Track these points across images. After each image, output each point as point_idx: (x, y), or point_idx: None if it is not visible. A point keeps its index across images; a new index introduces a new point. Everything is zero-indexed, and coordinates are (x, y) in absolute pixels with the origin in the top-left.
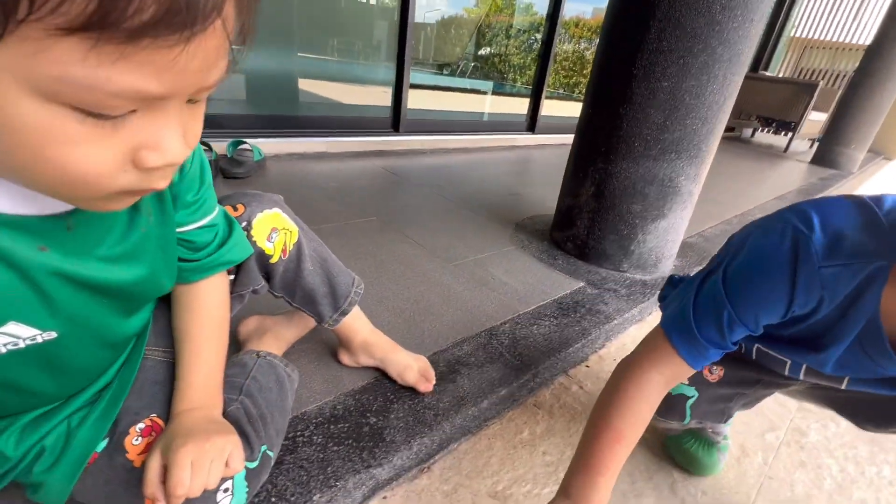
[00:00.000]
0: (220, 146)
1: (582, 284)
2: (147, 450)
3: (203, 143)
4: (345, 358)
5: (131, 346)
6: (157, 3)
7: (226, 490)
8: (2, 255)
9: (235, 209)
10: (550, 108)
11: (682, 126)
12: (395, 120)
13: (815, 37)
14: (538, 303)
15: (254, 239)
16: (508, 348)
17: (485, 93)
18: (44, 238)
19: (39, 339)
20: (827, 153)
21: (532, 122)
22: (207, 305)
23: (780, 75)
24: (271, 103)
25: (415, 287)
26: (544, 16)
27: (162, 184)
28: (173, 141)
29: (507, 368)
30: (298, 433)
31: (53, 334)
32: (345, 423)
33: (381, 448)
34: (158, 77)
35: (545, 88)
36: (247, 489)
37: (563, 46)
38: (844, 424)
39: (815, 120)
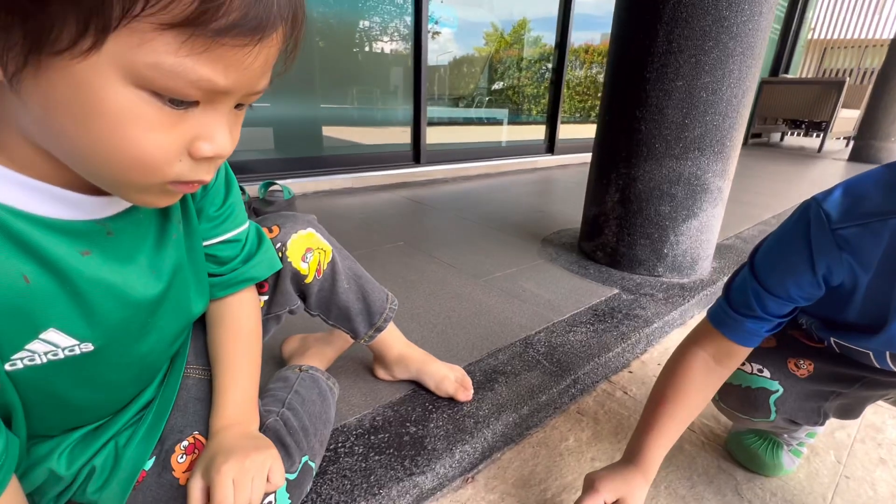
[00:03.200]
0: (253, 189)
1: (616, 291)
2: (191, 467)
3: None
4: (381, 372)
5: (168, 365)
6: (240, 8)
7: None
8: (46, 258)
9: (271, 231)
10: (568, 131)
11: (703, 123)
12: (416, 153)
13: (834, 37)
14: (572, 311)
15: (289, 260)
16: (545, 356)
17: (501, 121)
18: (87, 242)
19: (77, 351)
20: (864, 149)
21: (551, 145)
22: (238, 321)
23: (804, 76)
24: (298, 147)
25: (445, 303)
26: (553, 46)
27: (207, 177)
28: (223, 135)
29: (545, 375)
30: (340, 444)
31: (91, 346)
32: (385, 433)
33: (423, 456)
34: (227, 72)
35: (560, 113)
36: (288, 500)
37: (576, 73)
38: None
39: (847, 117)
